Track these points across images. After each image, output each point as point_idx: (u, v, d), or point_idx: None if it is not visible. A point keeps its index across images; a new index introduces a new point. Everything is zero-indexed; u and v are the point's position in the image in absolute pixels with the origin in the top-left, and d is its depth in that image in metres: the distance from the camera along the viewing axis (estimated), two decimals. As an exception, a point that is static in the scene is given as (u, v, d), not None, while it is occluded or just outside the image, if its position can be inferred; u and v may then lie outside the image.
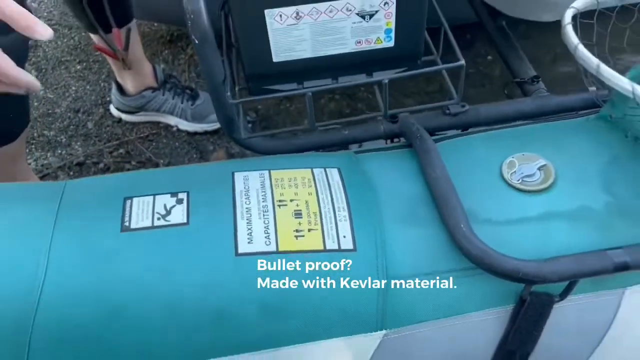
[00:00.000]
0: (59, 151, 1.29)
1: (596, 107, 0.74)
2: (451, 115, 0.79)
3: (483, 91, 1.20)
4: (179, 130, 1.33)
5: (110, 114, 1.36)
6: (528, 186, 0.67)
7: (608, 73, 0.61)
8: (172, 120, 1.34)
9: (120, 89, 1.30)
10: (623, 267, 0.60)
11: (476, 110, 0.81)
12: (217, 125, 1.31)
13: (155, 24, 1.48)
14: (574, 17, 0.66)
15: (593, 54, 0.63)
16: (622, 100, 0.68)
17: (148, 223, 0.62)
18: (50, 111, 1.40)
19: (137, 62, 1.21)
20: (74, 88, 1.45)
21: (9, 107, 0.85)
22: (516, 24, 0.88)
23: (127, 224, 0.62)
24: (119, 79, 1.29)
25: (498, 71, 1.04)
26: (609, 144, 0.69)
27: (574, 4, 0.65)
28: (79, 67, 1.46)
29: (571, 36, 0.64)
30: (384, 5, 0.72)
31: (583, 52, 0.63)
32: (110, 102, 1.35)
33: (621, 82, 0.60)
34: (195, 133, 1.30)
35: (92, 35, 1.15)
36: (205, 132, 1.33)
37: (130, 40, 1.11)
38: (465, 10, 1.01)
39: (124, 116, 1.33)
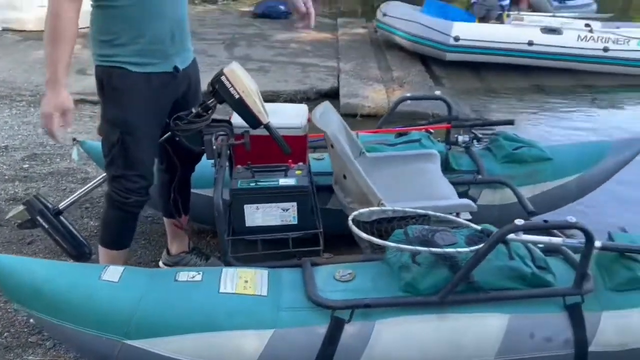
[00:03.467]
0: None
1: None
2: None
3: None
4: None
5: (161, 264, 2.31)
6: (342, 279, 1.57)
7: (376, 240, 1.55)
8: (194, 270, 2.27)
9: (167, 251, 2.25)
10: (366, 306, 1.46)
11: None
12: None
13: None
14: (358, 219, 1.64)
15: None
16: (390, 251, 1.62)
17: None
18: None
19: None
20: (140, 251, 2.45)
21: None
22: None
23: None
24: (168, 244, 2.25)
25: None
26: (383, 268, 1.61)
27: (354, 214, 1.64)
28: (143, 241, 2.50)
29: (356, 231, 1.60)
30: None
31: (361, 234, 1.57)
32: (160, 259, 2.30)
33: (382, 243, 1.54)
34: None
35: (165, 219, 2.17)
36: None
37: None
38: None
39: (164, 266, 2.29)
